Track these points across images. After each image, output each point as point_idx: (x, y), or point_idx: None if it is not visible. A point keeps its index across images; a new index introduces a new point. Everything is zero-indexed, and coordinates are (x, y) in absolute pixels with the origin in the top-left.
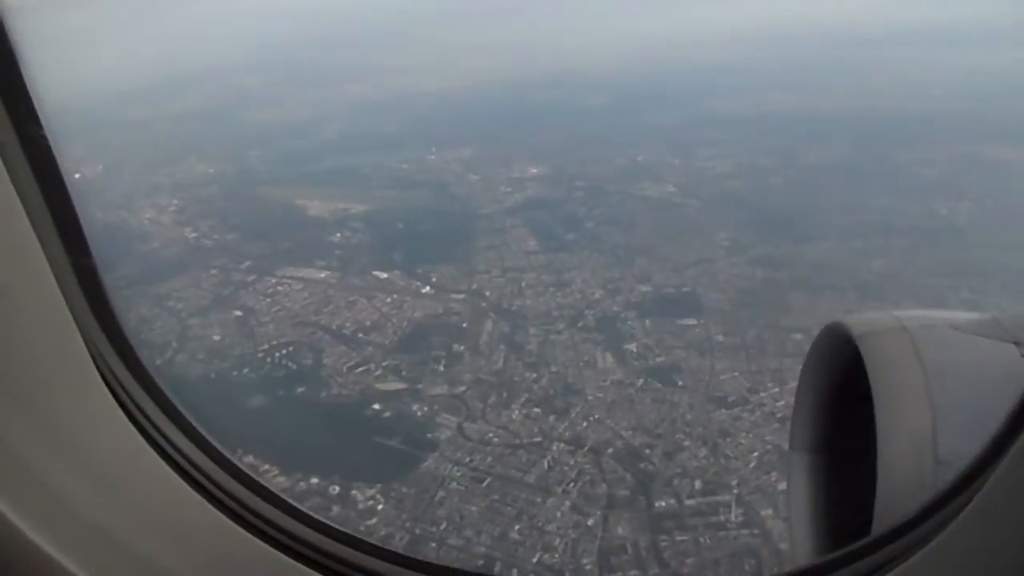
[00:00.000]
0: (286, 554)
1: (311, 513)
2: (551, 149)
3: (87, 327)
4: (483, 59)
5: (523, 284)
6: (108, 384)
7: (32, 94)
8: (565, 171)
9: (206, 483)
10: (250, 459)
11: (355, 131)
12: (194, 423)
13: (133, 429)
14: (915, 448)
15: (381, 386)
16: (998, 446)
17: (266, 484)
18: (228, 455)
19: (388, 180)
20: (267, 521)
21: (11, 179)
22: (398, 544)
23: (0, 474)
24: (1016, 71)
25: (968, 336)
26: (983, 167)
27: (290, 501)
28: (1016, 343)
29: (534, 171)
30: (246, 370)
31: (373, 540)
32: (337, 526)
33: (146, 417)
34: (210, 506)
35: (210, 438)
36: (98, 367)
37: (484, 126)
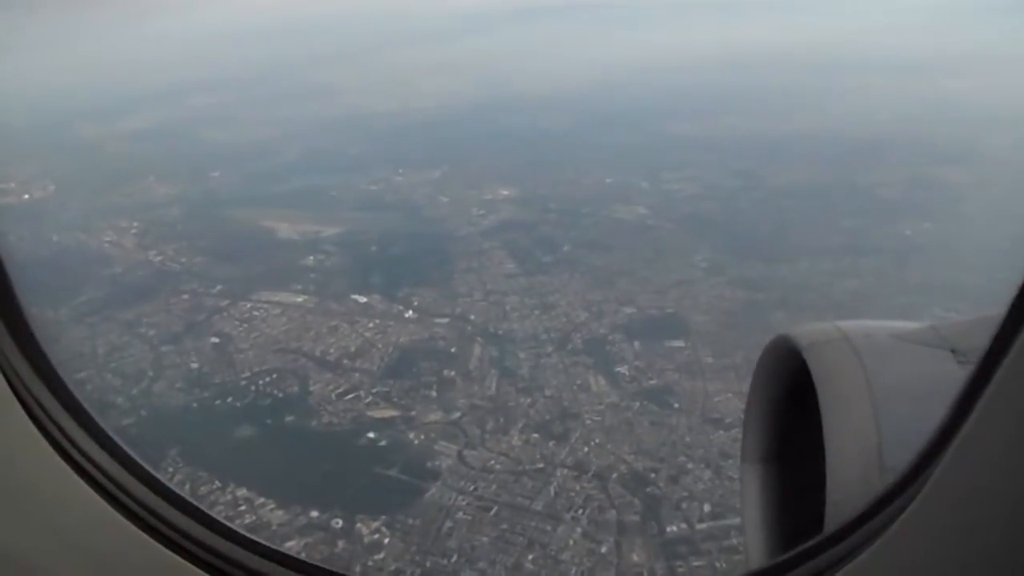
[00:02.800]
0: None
1: (240, 530)
2: (519, 171)
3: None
4: (440, 80)
5: (507, 307)
6: (16, 392)
7: None
8: (536, 193)
9: (120, 495)
10: (243, 492)
11: (317, 151)
12: (108, 432)
13: (43, 439)
14: (861, 455)
15: (374, 413)
16: (937, 446)
17: (193, 502)
18: (147, 466)
19: (357, 201)
20: (189, 537)
21: None
22: None
23: None
24: (950, 98)
25: (907, 344)
26: (936, 188)
27: (219, 519)
28: (953, 350)
29: (505, 193)
30: (230, 399)
31: (281, 550)
32: (254, 538)
33: (59, 428)
34: (131, 524)
35: (124, 445)
36: (6, 375)
37: (449, 147)
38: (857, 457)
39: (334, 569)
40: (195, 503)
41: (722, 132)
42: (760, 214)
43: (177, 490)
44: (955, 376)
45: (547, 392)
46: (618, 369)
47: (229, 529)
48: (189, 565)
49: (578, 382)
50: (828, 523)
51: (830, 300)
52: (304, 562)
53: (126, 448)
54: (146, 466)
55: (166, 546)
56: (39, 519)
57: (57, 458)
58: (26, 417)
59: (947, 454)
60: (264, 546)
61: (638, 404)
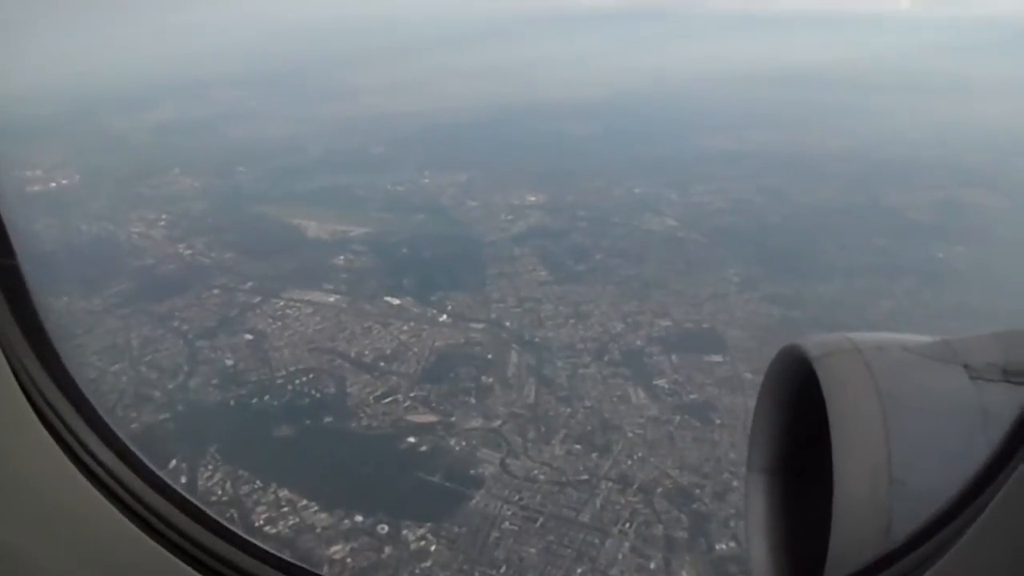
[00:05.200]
0: None
1: (254, 541)
2: (546, 177)
3: (5, 331)
4: (466, 84)
5: (542, 315)
6: (25, 390)
7: None
8: (564, 200)
9: (130, 500)
10: (285, 493)
11: (340, 150)
12: (118, 434)
13: (51, 440)
14: (870, 468)
15: (413, 418)
16: (989, 475)
17: (201, 507)
18: (156, 471)
19: (384, 202)
20: (197, 544)
21: None
22: None
23: None
24: (984, 123)
25: (919, 358)
26: (968, 211)
27: (236, 531)
28: (965, 366)
29: (532, 199)
30: (267, 397)
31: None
32: (262, 545)
33: (67, 428)
34: (131, 524)
35: (137, 452)
36: (15, 372)
37: (476, 151)
38: (866, 470)
39: None
40: (209, 512)
41: (751, 147)
42: (791, 230)
43: (188, 495)
44: (968, 392)
45: (587, 402)
46: (657, 382)
47: (244, 540)
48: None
49: (617, 394)
50: (834, 537)
51: (866, 319)
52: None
53: (138, 453)
54: (159, 472)
55: (180, 558)
56: (43, 519)
57: (66, 460)
58: (38, 421)
59: (1003, 486)
60: (278, 558)
61: (679, 418)
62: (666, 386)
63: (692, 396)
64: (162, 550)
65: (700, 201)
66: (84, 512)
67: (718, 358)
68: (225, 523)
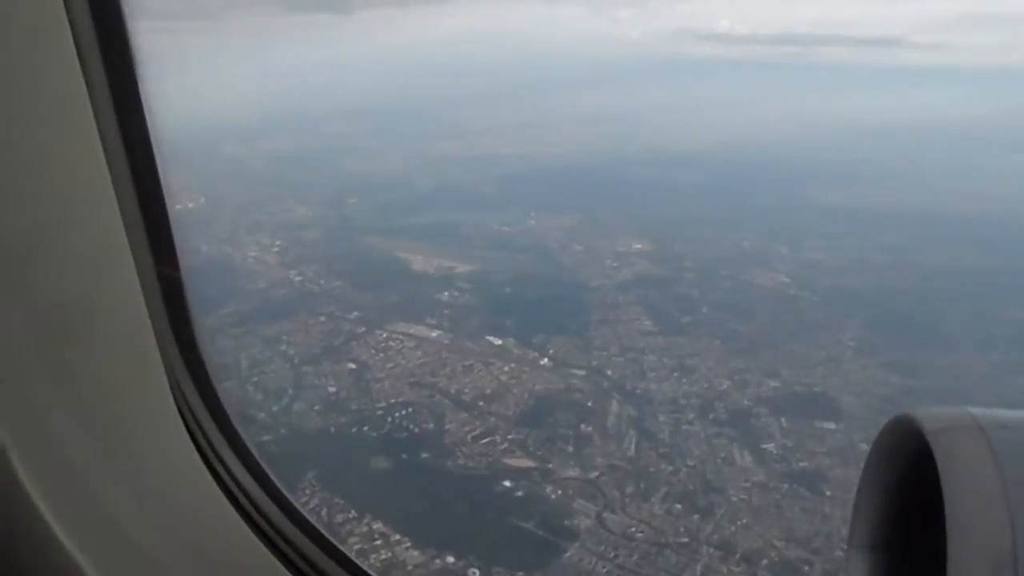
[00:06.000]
0: None
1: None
2: (653, 225)
3: (166, 347)
4: (576, 128)
5: (645, 366)
6: (184, 419)
7: (143, 100)
8: (670, 249)
9: (278, 540)
10: (379, 526)
11: (449, 187)
12: (276, 482)
13: (210, 478)
14: (991, 556)
15: (510, 461)
16: None
17: (325, 534)
18: (286, 494)
19: (490, 241)
20: None
21: (112, 180)
22: None
23: (80, 520)
24: None
25: None
26: None
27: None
28: None
29: (638, 246)
30: (366, 428)
31: None
32: None
33: (208, 441)
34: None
35: (283, 488)
36: (175, 399)
37: (583, 195)
38: (986, 563)
39: None
40: (334, 540)
41: (870, 203)
42: (915, 294)
43: (319, 527)
44: None
45: (689, 461)
46: (765, 446)
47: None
48: None
49: (722, 454)
50: None
51: (999, 397)
52: None
53: (271, 474)
54: (288, 495)
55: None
56: (178, 526)
57: (205, 471)
58: (184, 430)
59: None
60: None
61: (787, 486)
62: (774, 451)
63: (802, 464)
64: (284, 570)
65: (814, 258)
66: (216, 525)
67: (831, 425)
68: (350, 555)
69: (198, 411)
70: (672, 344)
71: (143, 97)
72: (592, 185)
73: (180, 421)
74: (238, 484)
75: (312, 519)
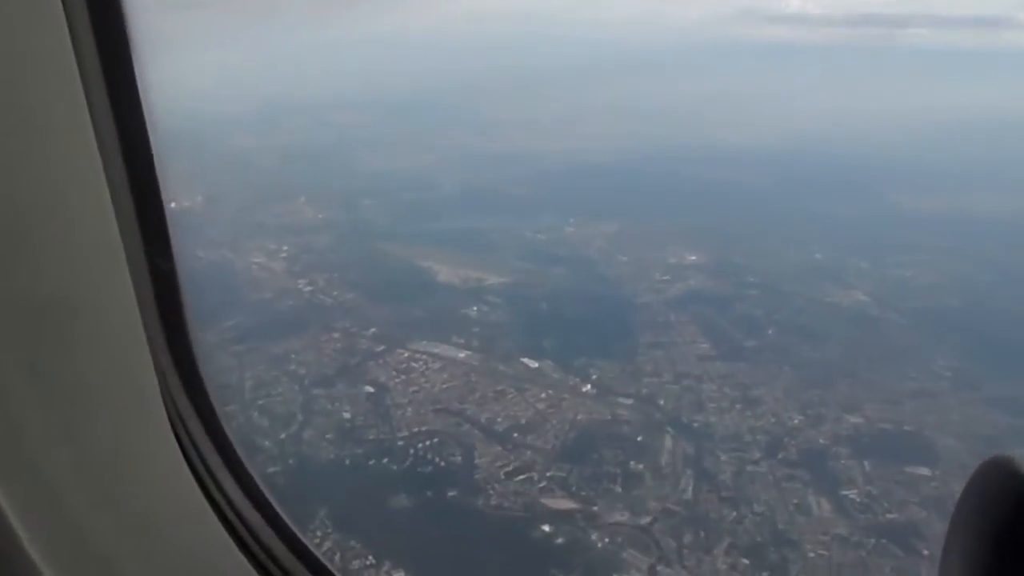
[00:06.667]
0: None
1: None
2: (709, 233)
3: (161, 360)
4: (621, 122)
5: (703, 396)
6: (181, 443)
7: (140, 87)
8: (730, 262)
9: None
10: (400, 575)
11: (477, 188)
12: (285, 519)
13: (211, 511)
14: None
15: (549, 502)
16: None
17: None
18: (317, 554)
19: (523, 250)
20: None
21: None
22: None
23: (63, 553)
24: None
25: None
26: None
27: None
28: None
29: (693, 258)
30: (385, 460)
31: None
32: None
33: (226, 499)
34: None
35: (292, 526)
36: (171, 419)
37: (628, 199)
38: None
39: None
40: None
41: (967, 211)
42: (1019, 317)
43: (333, 569)
44: None
45: (756, 507)
46: (846, 492)
47: None
48: None
49: (795, 501)
50: None
51: None
52: None
53: (277, 507)
54: (295, 529)
55: None
56: (175, 561)
57: (216, 521)
58: (182, 457)
59: None
60: None
61: (874, 541)
62: (857, 499)
63: (891, 515)
64: None
65: (899, 274)
66: (216, 563)
67: (925, 471)
68: None
69: (196, 434)
70: (733, 371)
71: (140, 84)
72: (640, 187)
73: (176, 445)
74: (241, 518)
75: (325, 561)
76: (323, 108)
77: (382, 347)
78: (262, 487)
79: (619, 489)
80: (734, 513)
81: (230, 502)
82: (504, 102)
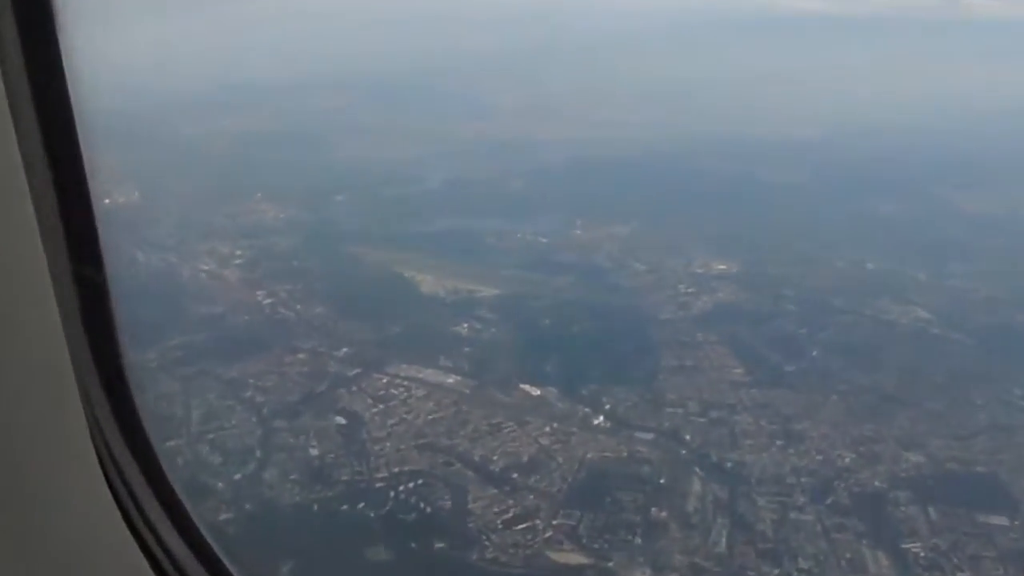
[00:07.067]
0: None
1: None
2: (739, 237)
3: (86, 380)
4: (638, 108)
5: (736, 429)
6: (106, 473)
7: (64, 64)
8: (765, 272)
9: None
10: None
11: (468, 182)
12: (231, 571)
13: (139, 552)
14: None
15: (556, 556)
16: None
17: None
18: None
19: (522, 256)
20: None
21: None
22: None
23: None
24: None
25: None
26: None
27: None
28: None
29: (721, 267)
30: (361, 505)
31: None
32: None
33: (158, 540)
34: None
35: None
36: (96, 446)
37: (643, 196)
38: None
39: None
40: None
41: None
42: None
43: None
44: None
45: (802, 562)
46: (907, 545)
47: None
48: None
49: (847, 555)
50: None
51: None
52: None
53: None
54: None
55: None
56: None
57: (143, 561)
58: (116, 508)
59: None
60: None
61: None
62: (922, 553)
63: (962, 574)
64: None
65: (962, 286)
66: None
67: (1001, 520)
68: None
69: (125, 466)
70: (772, 400)
71: (65, 60)
72: (657, 183)
73: (102, 475)
74: (176, 566)
75: None
76: (291, 88)
77: (356, 371)
78: (207, 539)
79: (639, 541)
80: (776, 570)
81: (167, 551)
82: (501, 83)
